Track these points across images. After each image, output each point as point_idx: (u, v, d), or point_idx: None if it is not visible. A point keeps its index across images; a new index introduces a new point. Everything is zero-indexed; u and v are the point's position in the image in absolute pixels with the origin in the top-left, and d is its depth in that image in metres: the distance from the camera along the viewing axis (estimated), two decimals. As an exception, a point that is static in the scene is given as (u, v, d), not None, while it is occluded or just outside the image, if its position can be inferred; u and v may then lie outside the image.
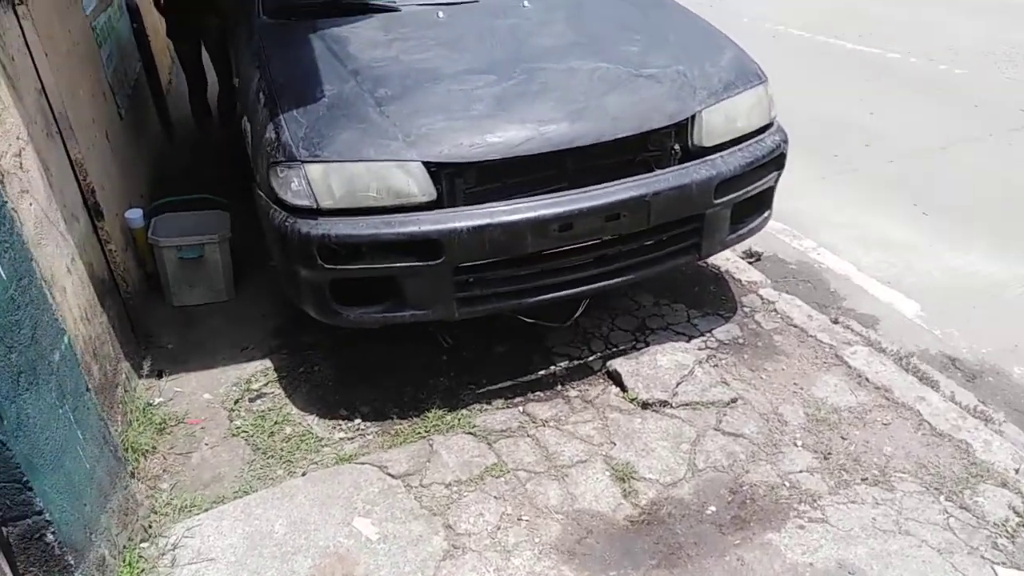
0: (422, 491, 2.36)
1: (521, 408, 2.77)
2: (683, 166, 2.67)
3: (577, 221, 2.51)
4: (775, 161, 2.87)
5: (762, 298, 3.37)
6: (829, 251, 3.95)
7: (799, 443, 2.54)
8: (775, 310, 3.27)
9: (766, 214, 3.03)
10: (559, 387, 2.89)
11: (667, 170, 2.64)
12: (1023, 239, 3.86)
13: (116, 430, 2.55)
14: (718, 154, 2.72)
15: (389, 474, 2.43)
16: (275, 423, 2.77)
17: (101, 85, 3.67)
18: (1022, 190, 4.35)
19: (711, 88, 2.76)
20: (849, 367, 2.89)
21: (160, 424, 2.74)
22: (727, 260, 3.67)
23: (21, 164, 2.21)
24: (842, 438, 2.56)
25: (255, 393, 2.94)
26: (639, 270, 2.77)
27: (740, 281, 3.51)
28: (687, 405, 2.71)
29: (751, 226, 2.98)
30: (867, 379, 2.81)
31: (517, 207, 2.45)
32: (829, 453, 2.50)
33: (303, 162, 2.41)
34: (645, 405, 2.72)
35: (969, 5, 8.75)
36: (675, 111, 2.66)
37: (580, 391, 2.85)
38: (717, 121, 2.72)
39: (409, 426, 2.71)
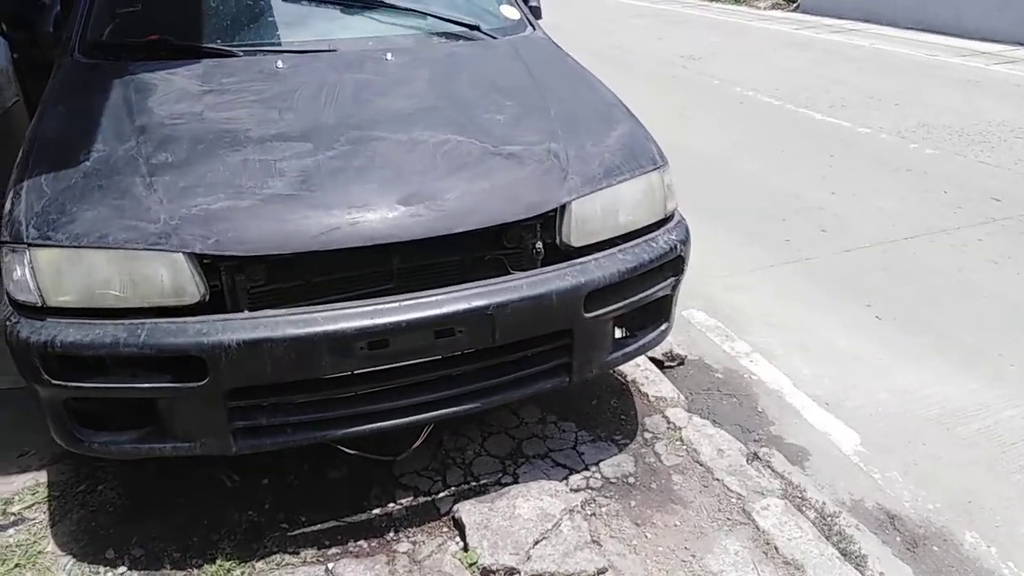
0: None
1: (329, 565, 2.15)
2: (542, 271, 2.10)
3: (394, 337, 1.93)
4: (670, 265, 2.31)
5: (668, 421, 2.78)
6: (764, 358, 3.37)
7: (673, 644, 1.93)
8: (681, 439, 2.68)
9: (663, 327, 2.45)
10: (391, 534, 2.28)
11: (519, 276, 2.08)
12: (989, 357, 3.31)
13: None
14: (591, 256, 2.16)
15: (109, 671, 1.81)
16: (16, 565, 2.15)
17: (-87, 121, 3.13)
18: (991, 297, 3.81)
19: (587, 173, 2.21)
20: (757, 528, 2.29)
21: None
22: (637, 367, 3.09)
23: None
24: (730, 639, 1.95)
25: (12, 517, 2.33)
26: (489, 396, 2.18)
27: (647, 396, 2.93)
28: (539, 576, 2.10)
29: (642, 342, 2.41)
30: (776, 548, 2.21)
31: (309, 317, 1.87)
32: (709, 663, 1.89)
33: (30, 245, 1.84)
34: (486, 572, 2.10)
35: (956, 76, 8.40)
36: (535, 202, 2.11)
37: (413, 543, 2.24)
38: (590, 215, 2.17)
39: (179, 585, 2.09)
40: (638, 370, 3.08)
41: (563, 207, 2.14)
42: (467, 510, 2.28)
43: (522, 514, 2.27)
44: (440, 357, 2.09)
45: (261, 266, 1.93)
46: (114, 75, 2.45)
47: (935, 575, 2.27)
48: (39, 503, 2.38)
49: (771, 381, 3.21)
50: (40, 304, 1.84)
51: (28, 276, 1.83)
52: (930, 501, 2.55)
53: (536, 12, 3.39)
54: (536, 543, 2.18)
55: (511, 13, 3.21)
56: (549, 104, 2.50)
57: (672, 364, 3.33)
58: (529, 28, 3.19)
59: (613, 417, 2.81)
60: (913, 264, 4.15)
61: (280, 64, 2.54)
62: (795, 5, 13.77)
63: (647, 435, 2.71)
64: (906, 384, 3.15)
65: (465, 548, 2.19)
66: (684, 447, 2.64)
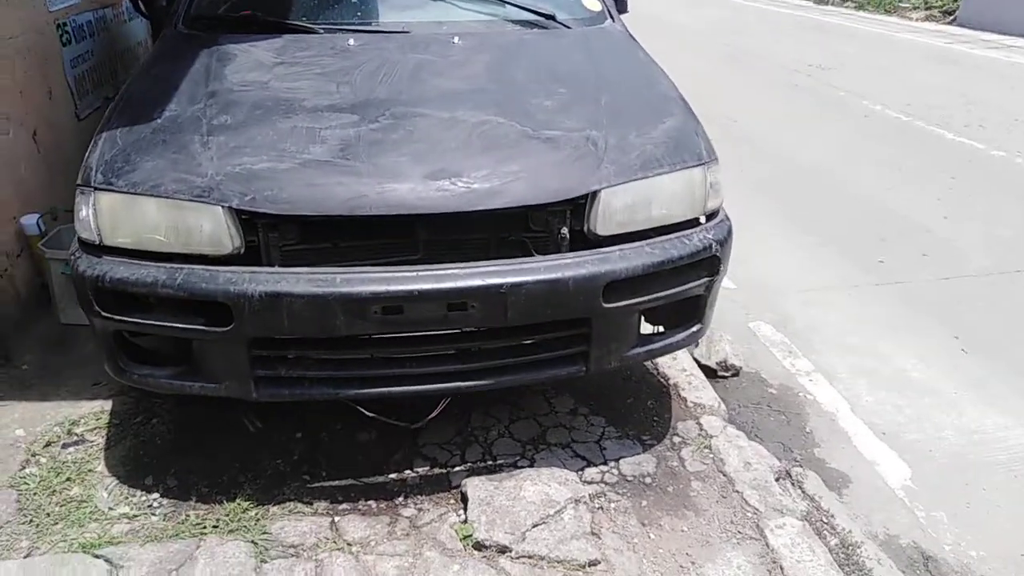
0: (134, 614, 1.89)
1: (336, 519, 2.25)
2: (561, 256, 2.11)
3: (408, 305, 2.00)
4: (704, 264, 2.25)
5: (701, 428, 2.70)
6: (825, 379, 3.21)
7: (648, 645, 1.89)
8: (709, 447, 2.60)
9: (694, 328, 2.39)
10: (400, 498, 2.36)
11: (538, 259, 2.09)
12: (1083, 406, 2.99)
13: None
14: (617, 247, 2.14)
15: (117, 579, 1.98)
16: (67, 479, 2.38)
17: (48, 82, 3.52)
18: (1103, 340, 3.44)
19: (624, 163, 2.19)
20: (767, 545, 2.19)
21: (-56, 459, 2.42)
22: (682, 371, 3.02)
23: None
24: (709, 651, 1.89)
25: (74, 438, 2.58)
26: (502, 375, 2.21)
27: (686, 401, 2.86)
28: (529, 557, 2.11)
29: (669, 341, 2.36)
30: (781, 568, 2.11)
31: (328, 278, 1.97)
32: (681, 670, 1.84)
33: (95, 189, 2.05)
34: (479, 546, 2.14)
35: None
36: (564, 187, 2.12)
37: (417, 510, 2.30)
38: (620, 205, 2.15)
39: (199, 515, 2.25)
40: (682, 375, 3.01)
41: (593, 195, 2.14)
42: (474, 485, 2.32)
43: (526, 496, 2.29)
44: (457, 331, 2.15)
45: (293, 226, 2.05)
46: (204, 45, 2.66)
47: (959, 625, 2.11)
48: (100, 428, 2.62)
49: (827, 403, 3.05)
50: (98, 242, 2.05)
51: (91, 216, 2.04)
52: (975, 548, 2.35)
53: (621, 5, 3.37)
54: (534, 526, 2.19)
55: (592, 5, 3.21)
56: (602, 94, 2.49)
57: (725, 374, 3.23)
58: (608, 20, 3.17)
59: (645, 417, 2.77)
60: (1021, 301, 3.80)
61: (351, 42, 2.67)
62: (952, 18, 12.81)
63: (676, 439, 2.65)
64: (978, 424, 2.91)
65: (465, 521, 2.23)
66: (711, 455, 2.57)
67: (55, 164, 3.50)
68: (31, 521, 2.21)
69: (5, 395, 2.75)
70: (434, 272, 2.02)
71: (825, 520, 2.37)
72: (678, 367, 3.05)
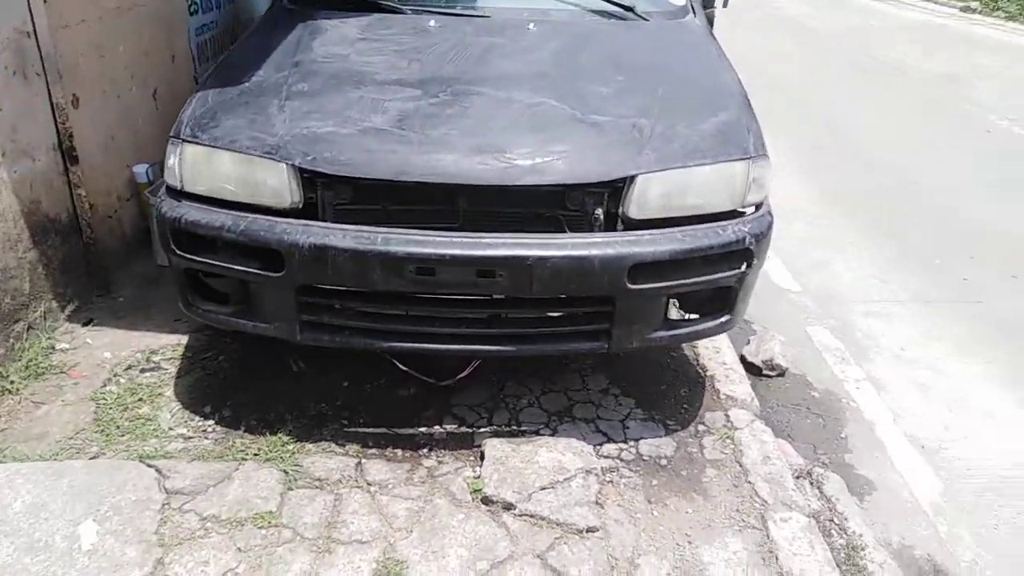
0: (173, 515, 2.14)
1: (362, 461, 2.44)
2: (591, 235, 2.20)
3: (439, 267, 2.15)
4: (736, 256, 2.28)
5: (728, 419, 2.73)
6: (874, 388, 3.16)
7: (628, 610, 1.98)
8: (731, 438, 2.63)
9: (723, 319, 2.43)
10: (423, 450, 2.52)
11: (568, 236, 2.20)
12: None
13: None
14: (648, 231, 2.22)
15: (164, 487, 2.23)
16: (139, 399, 2.69)
17: (171, 47, 3.89)
18: None
19: (666, 151, 2.26)
20: (767, 536, 2.23)
21: (43, 368, 2.78)
22: (723, 364, 3.05)
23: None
24: (687, 624, 1.96)
25: (151, 364, 2.89)
26: (524, 343, 2.34)
27: (719, 392, 2.89)
28: (532, 517, 2.23)
29: (694, 328, 2.41)
30: (776, 558, 2.14)
31: (369, 236, 2.15)
32: (655, 636, 1.92)
33: (183, 140, 2.31)
34: (486, 500, 2.28)
35: None
36: (601, 170, 2.21)
37: (437, 461, 2.47)
38: (656, 192, 2.22)
39: (243, 443, 2.49)
40: (721, 368, 3.03)
41: (630, 179, 2.22)
42: (492, 445, 2.46)
43: (540, 461, 2.41)
44: (486, 297, 2.29)
45: (347, 186, 2.25)
46: (301, 19, 2.91)
47: (956, 640, 2.08)
48: (175, 358, 2.93)
49: (870, 412, 3.01)
50: (180, 188, 2.31)
51: (176, 164, 2.31)
52: (992, 569, 2.29)
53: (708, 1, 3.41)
54: (542, 489, 2.31)
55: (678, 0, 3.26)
56: (660, 85, 2.55)
57: (770, 373, 3.22)
58: (690, 15, 3.21)
59: (675, 404, 2.82)
60: (1111, 331, 3.58)
61: (432, 23, 2.85)
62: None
63: (700, 427, 2.70)
64: (1031, 451, 2.79)
65: (478, 476, 2.38)
66: (732, 446, 2.60)
67: (170, 121, 3.85)
68: (103, 431, 2.52)
69: (100, 321, 3.10)
70: (466, 239, 2.16)
71: (836, 521, 2.37)
72: (719, 360, 3.08)
